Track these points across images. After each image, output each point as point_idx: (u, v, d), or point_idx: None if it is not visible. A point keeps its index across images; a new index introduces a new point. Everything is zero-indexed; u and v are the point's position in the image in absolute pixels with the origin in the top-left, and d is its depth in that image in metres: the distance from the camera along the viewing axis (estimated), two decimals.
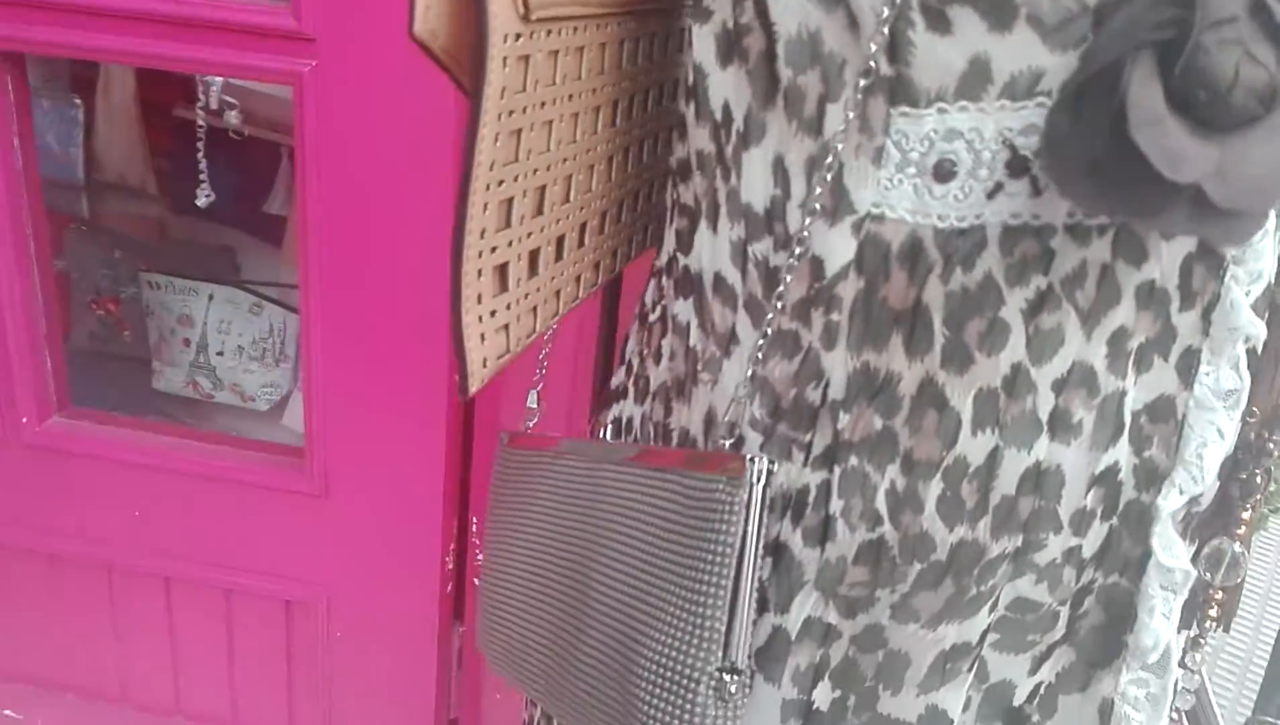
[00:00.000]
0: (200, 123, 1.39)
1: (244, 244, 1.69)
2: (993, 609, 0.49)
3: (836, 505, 0.48)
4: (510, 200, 0.47)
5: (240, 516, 1.29)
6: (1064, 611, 0.49)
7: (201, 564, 1.31)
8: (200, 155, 1.40)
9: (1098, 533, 0.48)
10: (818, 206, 0.45)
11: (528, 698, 0.70)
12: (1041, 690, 0.52)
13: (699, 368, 0.52)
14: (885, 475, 0.47)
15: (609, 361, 1.20)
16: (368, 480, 1.25)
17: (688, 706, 0.45)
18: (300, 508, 1.27)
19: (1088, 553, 0.48)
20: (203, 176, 1.42)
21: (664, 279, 0.56)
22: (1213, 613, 0.54)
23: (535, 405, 0.68)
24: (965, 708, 0.50)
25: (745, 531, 0.45)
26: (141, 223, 1.71)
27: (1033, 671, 0.51)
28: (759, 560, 0.46)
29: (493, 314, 0.48)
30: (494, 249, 0.47)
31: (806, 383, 0.48)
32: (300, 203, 1.13)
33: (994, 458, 0.46)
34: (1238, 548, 0.52)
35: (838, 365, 0.47)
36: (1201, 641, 0.54)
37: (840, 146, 0.43)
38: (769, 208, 0.47)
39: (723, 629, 0.45)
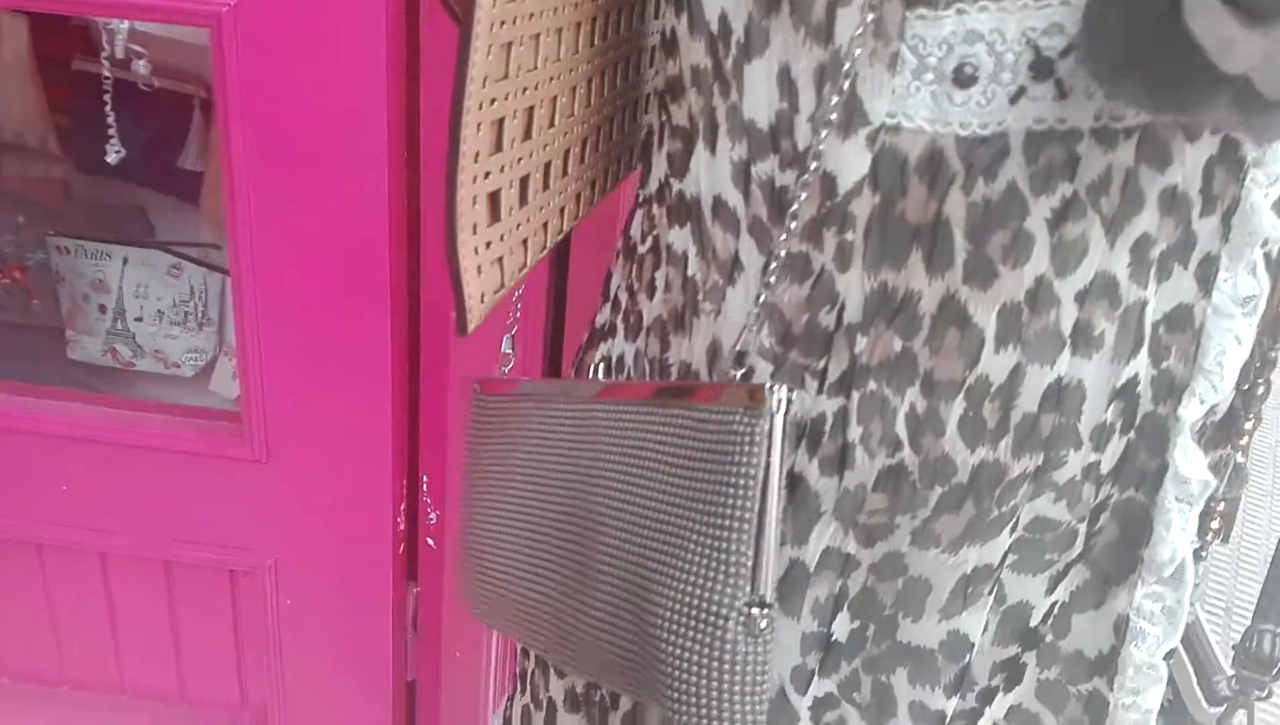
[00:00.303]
0: (106, 74, 1.30)
1: (157, 203, 1.60)
2: (1013, 530, 0.48)
3: (855, 432, 0.46)
4: (501, 121, 0.44)
5: (176, 487, 1.23)
6: (1081, 529, 0.48)
7: (138, 538, 1.25)
8: (108, 109, 1.31)
9: (1116, 447, 0.47)
10: (830, 119, 0.42)
11: (521, 649, 0.68)
12: (1055, 610, 0.51)
13: (700, 298, 0.50)
14: (905, 398, 0.45)
15: (560, 306, 1.17)
16: (311, 443, 1.20)
17: (717, 644, 0.43)
18: (240, 474, 1.22)
19: (1105, 468, 0.47)
20: (111, 132, 1.33)
21: (654, 207, 0.53)
22: (1214, 524, 0.54)
23: (510, 350, 0.65)
24: (983, 631, 0.50)
25: (768, 462, 0.43)
26: (45, 185, 1.60)
27: (1049, 592, 0.50)
28: (782, 491, 0.44)
29: (488, 246, 0.45)
30: (487, 174, 0.43)
31: (819, 307, 0.46)
32: (224, 157, 1.06)
33: (1016, 375, 0.44)
34: (1240, 458, 0.52)
35: (853, 287, 0.45)
36: (1202, 554, 0.54)
37: (855, 54, 0.41)
38: (774, 124, 0.45)
39: (749, 563, 0.43)
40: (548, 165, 0.50)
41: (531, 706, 0.64)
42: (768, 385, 0.43)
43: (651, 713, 0.55)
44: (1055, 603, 0.51)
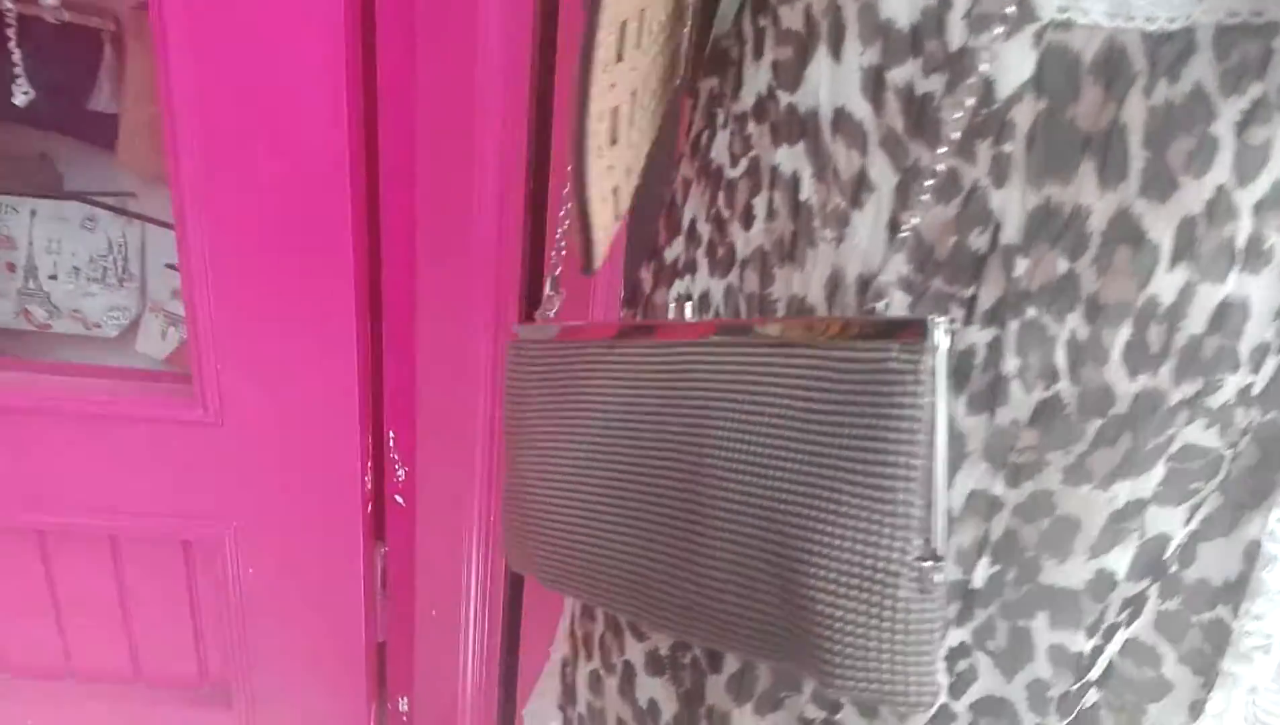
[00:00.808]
0: (8, 5, 1.16)
1: (64, 149, 1.46)
2: (1166, 461, 0.44)
3: (1011, 364, 0.42)
4: (624, 25, 0.38)
5: (120, 455, 1.13)
6: (1228, 456, 0.46)
7: (81, 512, 1.15)
8: (12, 46, 1.18)
9: (1269, 369, 0.44)
10: (990, 15, 0.38)
11: (581, 612, 0.62)
12: (1184, 540, 0.48)
13: (817, 224, 0.45)
14: (1065, 325, 0.41)
15: (537, 249, 1.10)
16: (268, 402, 1.11)
17: (889, 604, 0.39)
18: (191, 439, 1.13)
19: (1256, 391, 0.44)
20: (18, 71, 1.20)
21: (750, 125, 0.48)
22: None
23: (554, 291, 0.59)
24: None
25: (934, 402, 0.39)
26: None
27: (1187, 523, 0.47)
28: (948, 433, 0.40)
29: (609, 169, 0.39)
30: (612, 85, 0.37)
31: (970, 228, 0.41)
32: (163, 93, 0.95)
33: (1186, 294, 0.40)
34: None
35: (1012, 204, 0.40)
36: None
37: None
38: (918, 22, 0.40)
39: (920, 514, 0.39)
40: (645, 78, 0.44)
41: (602, 671, 0.59)
42: (929, 318, 0.39)
43: (760, 673, 0.51)
44: (1189, 533, 0.48)
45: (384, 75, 0.99)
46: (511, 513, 0.59)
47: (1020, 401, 0.42)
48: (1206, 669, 0.50)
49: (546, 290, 0.59)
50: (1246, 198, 0.39)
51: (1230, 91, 0.37)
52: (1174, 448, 0.44)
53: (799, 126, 0.44)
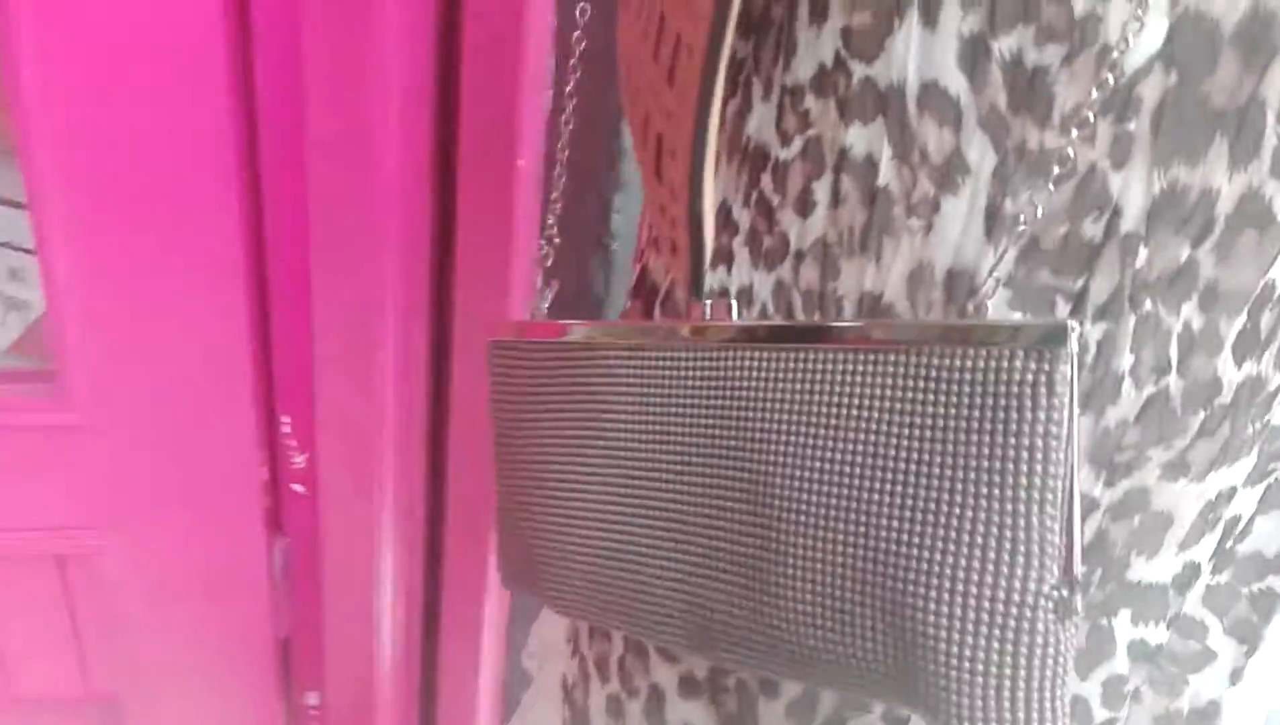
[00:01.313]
0: None
1: None
2: (1259, 446, 0.42)
3: (1125, 361, 0.38)
4: None
5: None
6: None
7: None
8: None
9: None
10: None
11: (599, 631, 0.57)
12: (1249, 518, 0.47)
13: (898, 212, 0.40)
14: (1180, 316, 0.38)
15: (446, 210, 1.00)
16: (144, 392, 0.99)
17: (1027, 638, 0.35)
18: (57, 443, 0.99)
19: None
20: None
21: (809, 99, 0.42)
22: None
23: (545, 285, 0.52)
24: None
25: (1072, 416, 0.35)
26: None
27: (1260, 500, 0.45)
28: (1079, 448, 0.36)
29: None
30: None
31: (1084, 214, 0.37)
32: (6, 64, 0.81)
33: None
34: None
35: (1135, 187, 0.36)
36: None
37: None
38: None
39: (1058, 540, 0.35)
40: None
41: (623, 695, 0.54)
42: (1067, 322, 0.35)
43: (825, 698, 0.47)
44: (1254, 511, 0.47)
45: (265, 21, 0.87)
46: (518, 534, 0.52)
47: (1131, 400, 0.39)
48: (1251, 637, 0.49)
49: (538, 283, 0.52)
50: None
51: None
52: (1265, 432, 0.42)
53: (877, 102, 0.39)
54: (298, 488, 1.12)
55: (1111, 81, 0.35)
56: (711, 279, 0.47)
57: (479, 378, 0.96)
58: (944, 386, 0.36)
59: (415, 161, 0.93)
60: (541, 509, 0.50)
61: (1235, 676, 0.50)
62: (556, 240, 0.50)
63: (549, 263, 0.51)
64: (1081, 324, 0.38)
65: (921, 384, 0.37)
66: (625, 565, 0.46)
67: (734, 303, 0.44)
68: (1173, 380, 0.39)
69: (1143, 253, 0.37)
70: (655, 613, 0.46)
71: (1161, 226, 0.36)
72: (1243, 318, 0.38)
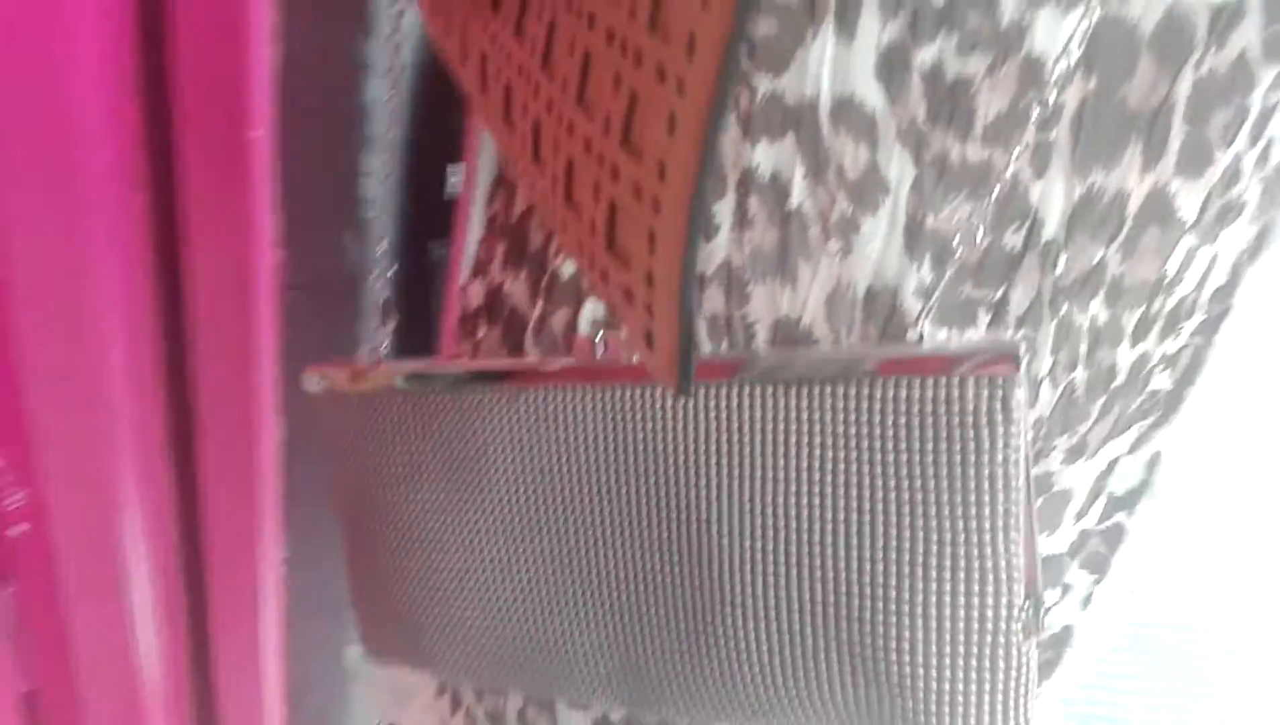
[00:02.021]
0: None
1: None
2: (1140, 412, 0.44)
3: (1045, 365, 0.38)
4: None
5: None
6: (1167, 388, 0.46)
7: None
8: None
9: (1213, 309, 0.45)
10: None
11: (471, 691, 0.52)
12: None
13: (814, 233, 0.37)
14: (1088, 312, 0.38)
15: (165, 198, 0.86)
16: None
17: (1001, 662, 0.35)
18: None
19: (1195, 328, 0.45)
20: None
21: None
22: None
23: (383, 322, 0.45)
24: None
25: (1027, 437, 0.34)
26: None
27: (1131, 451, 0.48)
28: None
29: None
30: None
31: (1005, 225, 0.36)
32: None
33: (1188, 260, 0.39)
34: None
35: (1054, 195, 0.36)
36: None
37: None
38: None
39: (1022, 561, 0.35)
40: None
41: None
42: (1019, 344, 0.33)
43: None
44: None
45: None
46: (386, 603, 0.46)
47: (1047, 399, 0.39)
48: (1101, 567, 0.53)
49: (376, 321, 0.46)
50: (1249, 160, 0.38)
51: (1273, 58, 0.35)
52: (1146, 399, 0.44)
53: (787, 118, 0.36)
54: (20, 529, 0.95)
55: (1034, 90, 0.33)
56: (593, 309, 0.42)
57: (223, 374, 0.86)
58: (894, 418, 0.34)
59: (122, 138, 0.78)
60: (419, 574, 0.44)
61: (1086, 603, 0.54)
62: (390, 275, 0.43)
63: (386, 297, 0.44)
64: (994, 330, 0.37)
65: (869, 417, 0.35)
66: (536, 629, 0.42)
67: (598, 335, 0.40)
68: (1079, 373, 0.39)
69: (1062, 259, 0.36)
70: (581, 676, 0.42)
71: (1079, 232, 0.36)
72: (1142, 307, 0.38)
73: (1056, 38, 0.33)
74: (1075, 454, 0.42)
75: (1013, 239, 0.36)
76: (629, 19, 0.26)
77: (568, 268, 0.43)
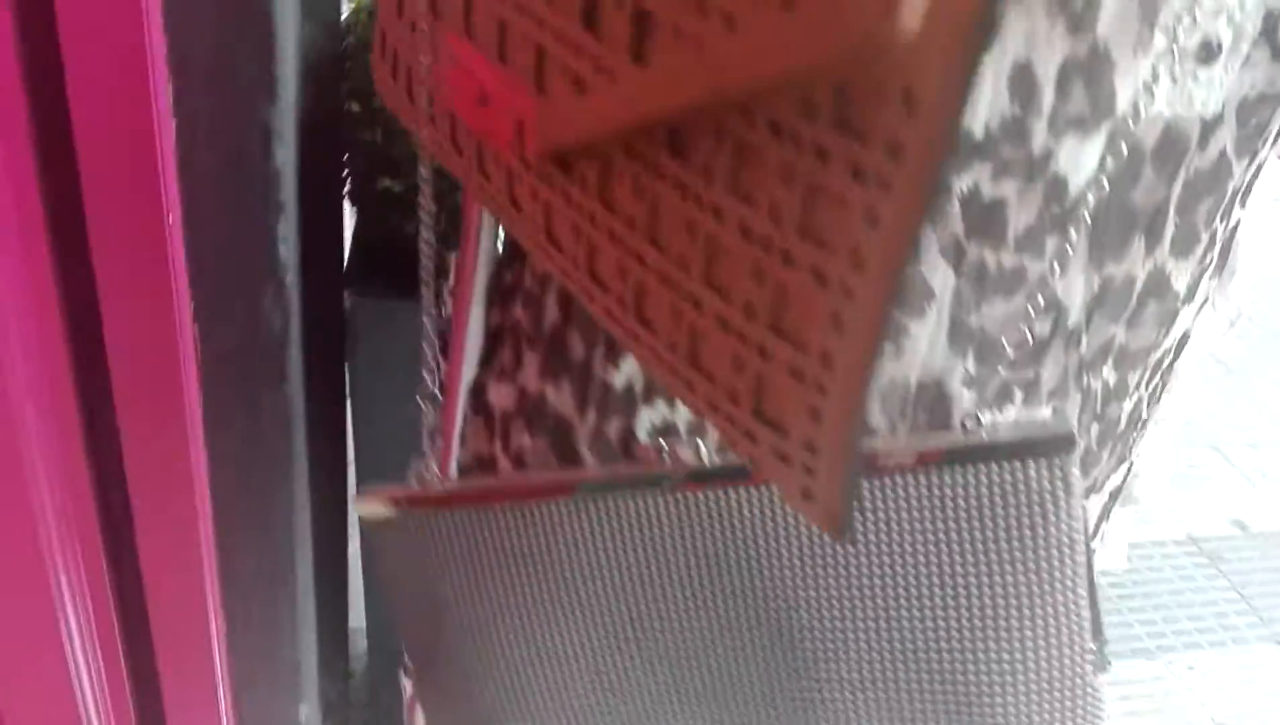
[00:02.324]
0: None
1: None
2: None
3: (1073, 428, 0.43)
4: None
5: None
6: None
7: None
8: None
9: None
10: (1075, 118, 0.36)
11: None
12: None
13: None
14: (1102, 377, 0.43)
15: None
16: None
17: (1081, 699, 0.40)
18: None
19: None
20: None
21: None
22: None
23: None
24: None
25: (1084, 506, 0.39)
26: None
27: None
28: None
29: None
30: None
31: (1034, 316, 0.41)
32: None
33: (1177, 323, 0.45)
34: None
35: (1076, 288, 0.40)
36: None
37: (1117, 40, 0.35)
38: (994, 130, 0.36)
39: (1090, 613, 0.40)
40: None
41: None
42: (1070, 427, 0.38)
43: None
44: None
45: None
46: (472, 714, 0.48)
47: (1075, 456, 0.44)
48: None
49: (429, 444, 0.47)
50: (1222, 233, 0.44)
51: (1244, 155, 0.40)
52: (1136, 433, 0.50)
53: None
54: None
55: (1060, 204, 0.38)
56: (650, 416, 0.45)
57: (151, 453, 0.83)
58: (965, 502, 0.39)
59: (29, 223, 0.74)
60: (506, 690, 0.46)
61: None
62: (433, 397, 0.45)
63: (432, 420, 0.45)
64: (1029, 406, 0.42)
65: (941, 503, 0.39)
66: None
67: (701, 445, 0.43)
68: (1094, 427, 0.44)
69: (1084, 340, 0.41)
70: None
71: (1097, 314, 0.41)
72: (1141, 366, 0.44)
73: (1078, 160, 0.37)
74: (1089, 492, 0.47)
75: (1042, 327, 0.41)
76: (771, 222, 0.29)
77: (620, 377, 0.45)
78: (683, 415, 0.44)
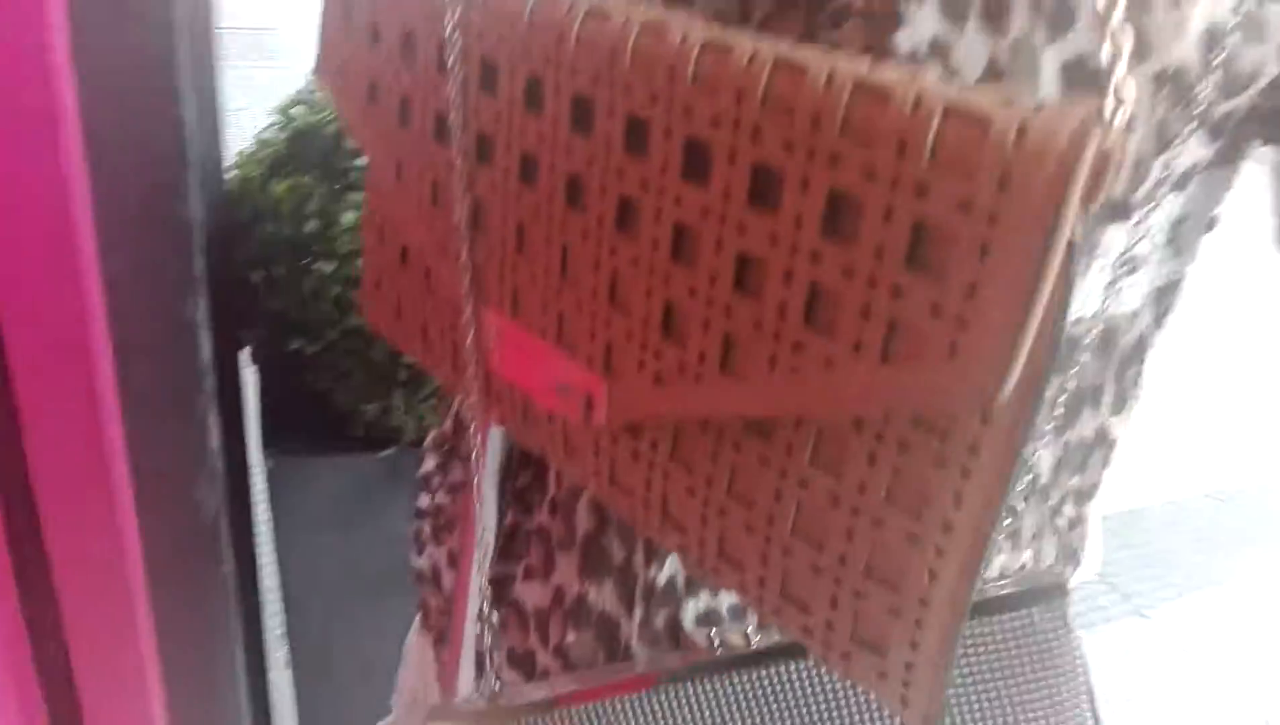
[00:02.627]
0: None
1: None
2: None
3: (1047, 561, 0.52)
4: None
5: None
6: None
7: None
8: None
9: None
10: None
11: None
12: None
13: None
14: (1064, 515, 0.53)
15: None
16: None
17: None
18: None
19: None
20: None
21: None
22: None
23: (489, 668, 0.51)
24: None
25: (1078, 636, 0.48)
26: None
27: None
28: None
29: None
30: None
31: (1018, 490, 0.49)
32: None
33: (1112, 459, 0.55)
34: None
35: (1046, 459, 0.49)
36: None
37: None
38: None
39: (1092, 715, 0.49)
40: None
41: None
42: (1063, 579, 0.46)
43: None
44: None
45: None
46: None
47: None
48: None
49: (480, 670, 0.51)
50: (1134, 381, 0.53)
51: (1158, 328, 0.50)
52: None
53: None
54: None
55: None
56: (695, 607, 0.51)
57: (86, 567, 0.83)
58: (979, 652, 0.46)
59: None
60: None
61: None
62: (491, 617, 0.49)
63: (488, 641, 0.50)
64: (1015, 552, 0.51)
65: (971, 650, 0.47)
66: None
67: (750, 632, 0.49)
68: (1059, 547, 0.53)
69: (1054, 494, 0.50)
70: None
71: (1061, 472, 0.50)
72: (1093, 498, 0.53)
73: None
74: None
75: (1019, 498, 0.49)
76: (858, 493, 0.36)
77: (663, 575, 0.51)
78: (725, 600, 0.50)
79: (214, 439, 0.94)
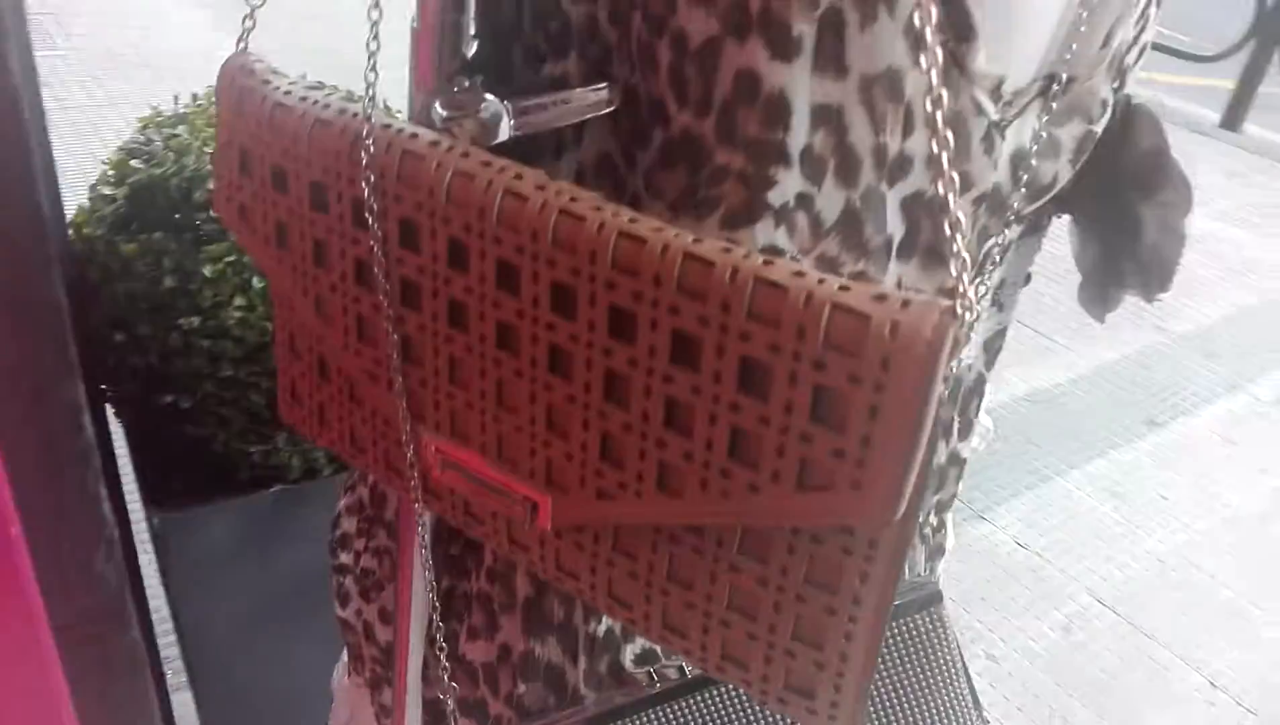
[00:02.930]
0: None
1: None
2: None
3: None
4: None
5: None
6: None
7: None
8: None
9: None
10: None
11: None
12: None
13: None
14: (930, 524, 0.62)
15: None
16: None
17: None
18: None
19: None
20: None
21: None
22: None
23: None
24: None
25: (956, 637, 0.58)
26: None
27: None
28: None
29: None
30: None
31: None
32: None
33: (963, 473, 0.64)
34: None
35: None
36: None
37: None
38: None
39: (971, 697, 0.59)
40: None
41: None
42: (938, 588, 0.56)
43: None
44: None
45: None
46: None
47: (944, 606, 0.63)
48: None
49: None
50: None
51: (988, 368, 0.60)
52: None
53: None
54: None
55: None
56: (634, 647, 0.58)
57: None
58: (886, 649, 0.56)
59: None
60: None
61: None
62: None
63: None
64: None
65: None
66: None
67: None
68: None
69: (920, 514, 0.59)
70: None
71: (924, 494, 0.59)
72: (951, 508, 0.63)
73: None
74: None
75: None
76: (782, 575, 0.43)
77: (602, 627, 0.58)
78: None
79: (106, 507, 0.94)
